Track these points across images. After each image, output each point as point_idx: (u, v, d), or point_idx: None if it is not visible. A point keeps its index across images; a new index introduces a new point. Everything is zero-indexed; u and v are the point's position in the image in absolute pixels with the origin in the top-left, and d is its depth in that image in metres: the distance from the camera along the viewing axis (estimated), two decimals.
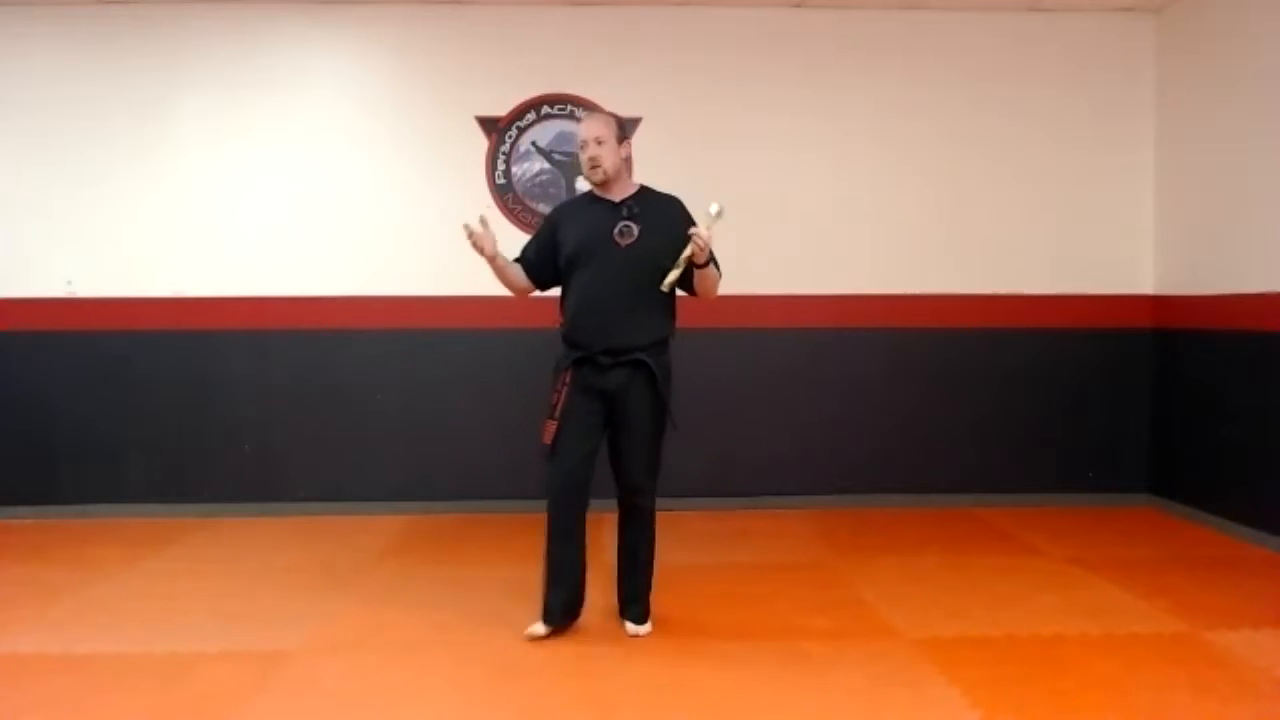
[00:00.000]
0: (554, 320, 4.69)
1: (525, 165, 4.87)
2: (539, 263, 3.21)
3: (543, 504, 4.78)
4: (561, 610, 3.13)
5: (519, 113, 4.85)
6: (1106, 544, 4.25)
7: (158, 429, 4.81)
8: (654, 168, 4.71)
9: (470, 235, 3.07)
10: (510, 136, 4.86)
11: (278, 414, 4.84)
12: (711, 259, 3.07)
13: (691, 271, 3.04)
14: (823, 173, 4.92)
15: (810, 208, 4.91)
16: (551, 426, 3.08)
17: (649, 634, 3.15)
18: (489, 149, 4.86)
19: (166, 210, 4.80)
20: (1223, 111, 4.48)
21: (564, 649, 3.05)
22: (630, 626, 3.17)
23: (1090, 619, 3.27)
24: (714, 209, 3.00)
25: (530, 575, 3.78)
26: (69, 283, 4.79)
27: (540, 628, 3.11)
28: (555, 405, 3.09)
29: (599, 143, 3.06)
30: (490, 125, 4.85)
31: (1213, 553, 4.12)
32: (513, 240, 4.82)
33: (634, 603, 3.20)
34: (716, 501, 4.84)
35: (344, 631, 3.22)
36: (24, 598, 3.57)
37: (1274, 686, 2.75)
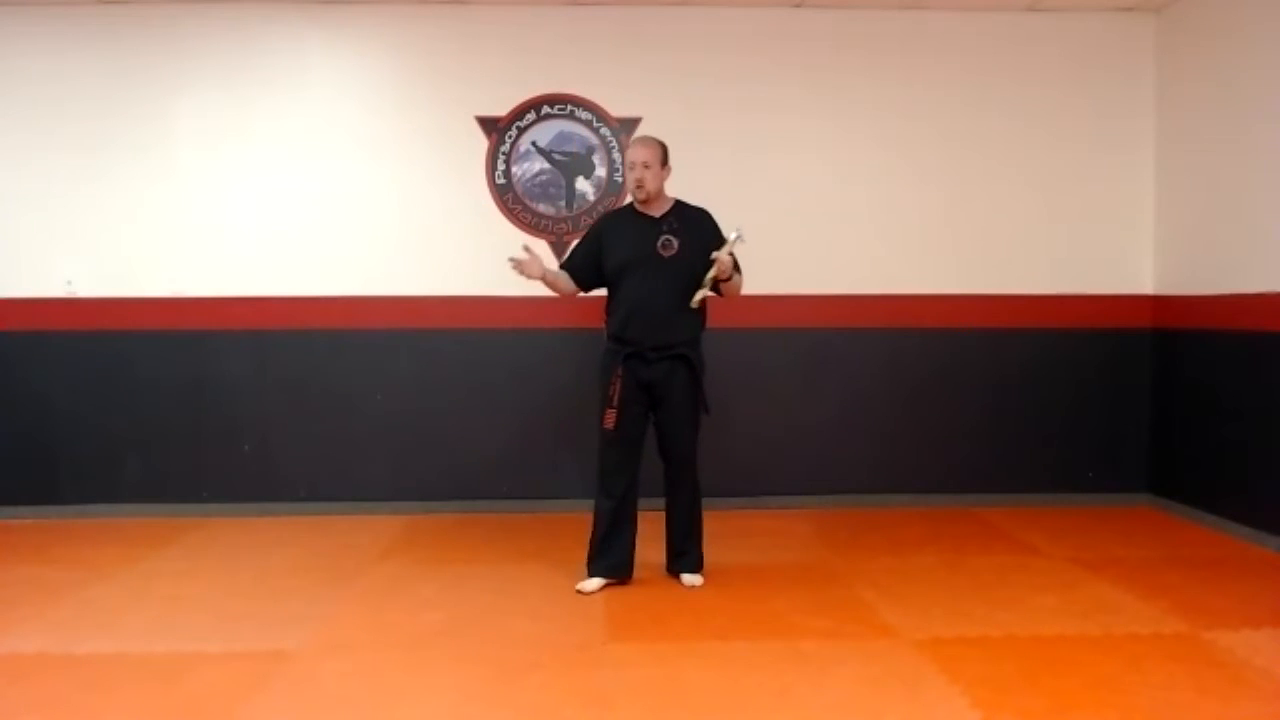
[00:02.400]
0: (551, 322, 4.75)
1: (525, 165, 4.87)
2: (585, 270, 3.64)
3: (543, 503, 4.83)
4: (610, 567, 3.61)
5: (519, 113, 4.85)
6: (1106, 544, 4.25)
7: (157, 429, 4.81)
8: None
9: (516, 266, 3.50)
10: (510, 136, 4.86)
11: (277, 414, 4.84)
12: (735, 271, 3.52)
13: (717, 283, 3.52)
14: (822, 173, 4.92)
15: (810, 208, 4.91)
16: (612, 414, 3.52)
17: (702, 584, 3.62)
18: (489, 149, 4.86)
19: (165, 210, 4.80)
20: (1223, 111, 4.48)
21: (564, 648, 3.04)
22: (687, 577, 3.64)
23: (1090, 619, 3.27)
24: (734, 235, 3.44)
25: (529, 575, 3.79)
26: (69, 283, 4.79)
27: (591, 583, 3.57)
28: (613, 395, 3.52)
29: (645, 166, 3.52)
30: (490, 125, 4.85)
31: (1213, 553, 4.12)
32: (514, 238, 4.87)
33: (688, 554, 3.68)
34: (716, 501, 4.81)
35: (344, 631, 3.22)
36: (24, 598, 3.57)
37: (1274, 686, 2.75)
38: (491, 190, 4.86)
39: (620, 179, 4.86)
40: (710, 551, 3.78)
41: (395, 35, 4.81)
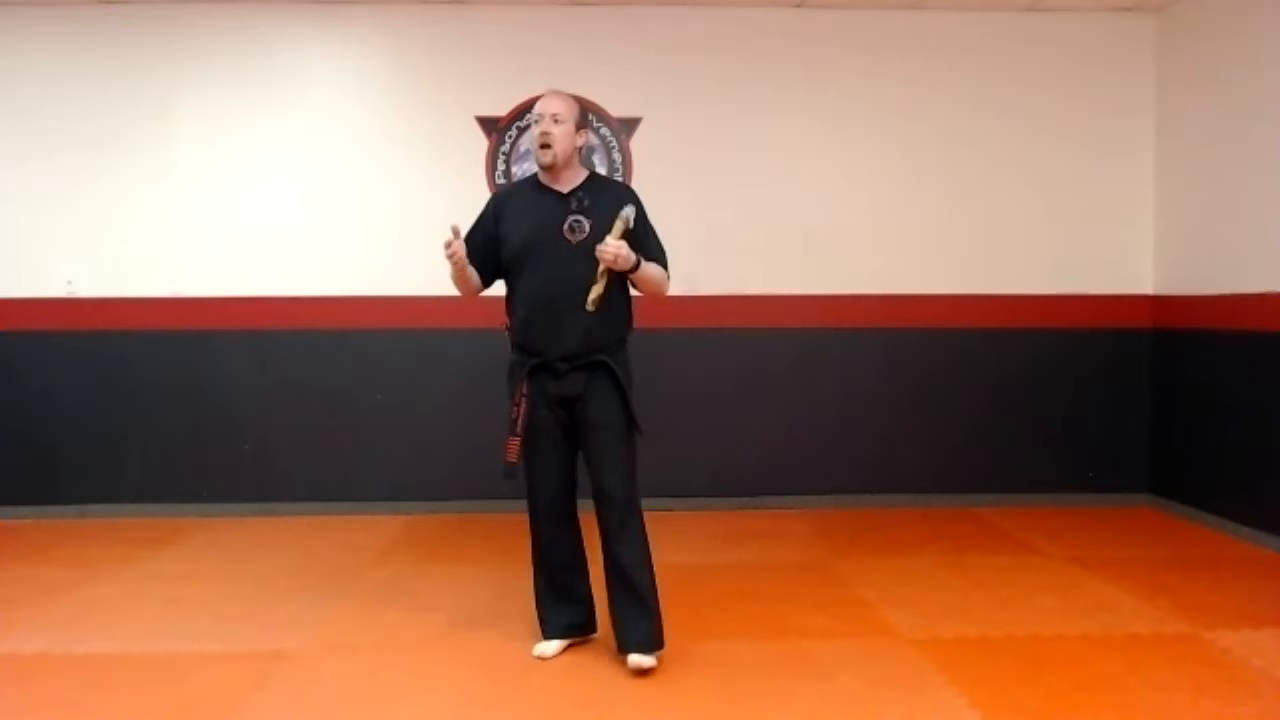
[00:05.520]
0: None
1: (525, 165, 4.86)
2: (482, 260, 2.91)
3: None
4: (569, 627, 3.01)
5: (519, 113, 4.85)
6: (1106, 544, 4.25)
7: (157, 429, 4.81)
8: (654, 168, 4.76)
9: (451, 247, 2.76)
10: (510, 136, 4.86)
11: (277, 414, 4.84)
12: (640, 262, 2.80)
13: (625, 279, 2.85)
14: (823, 173, 4.92)
15: (810, 208, 4.91)
16: (515, 444, 2.83)
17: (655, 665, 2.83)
18: (489, 149, 4.86)
19: (166, 210, 4.80)
20: (1223, 111, 4.48)
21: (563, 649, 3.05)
22: (634, 658, 2.82)
23: (1090, 619, 3.27)
24: (623, 214, 2.76)
25: (529, 575, 3.77)
26: (69, 283, 4.79)
27: (549, 646, 2.97)
28: (516, 419, 2.83)
29: (555, 120, 2.85)
30: (490, 125, 4.86)
31: (1213, 553, 4.12)
32: None
33: (637, 624, 2.87)
34: (716, 501, 4.84)
35: (344, 632, 3.22)
36: (25, 598, 3.57)
37: (1274, 686, 2.75)
38: (491, 190, 4.86)
39: (620, 178, 4.86)
40: (710, 552, 3.76)
41: (395, 35, 4.81)
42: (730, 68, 4.85)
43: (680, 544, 4.18)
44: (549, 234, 2.82)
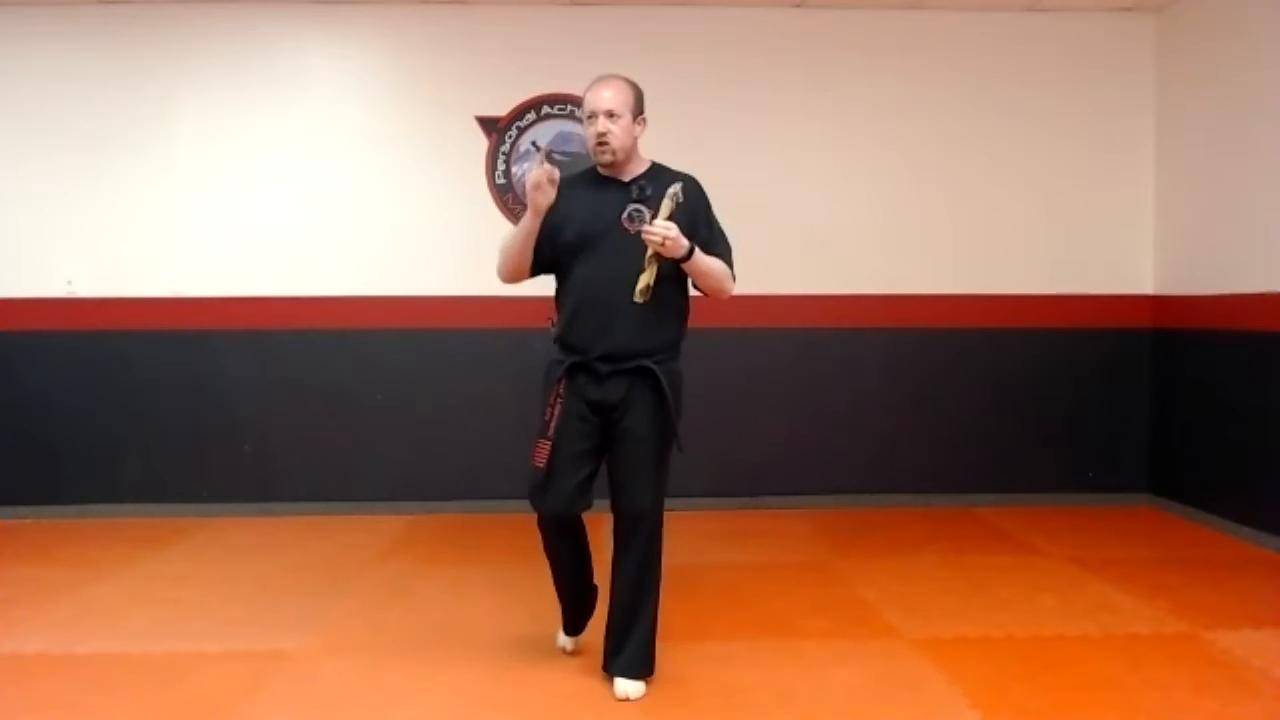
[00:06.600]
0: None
1: (525, 165, 4.87)
2: (536, 247, 2.74)
3: None
4: (577, 623, 3.02)
5: (519, 113, 4.85)
6: (1106, 544, 4.25)
7: (157, 429, 4.81)
8: None
9: (544, 168, 2.58)
10: (510, 136, 4.86)
11: (277, 414, 4.84)
12: (694, 250, 2.60)
13: (680, 271, 2.66)
14: (823, 173, 4.92)
15: (810, 208, 4.91)
16: (545, 448, 2.65)
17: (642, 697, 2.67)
18: (489, 149, 4.86)
19: (166, 210, 4.80)
20: (1223, 111, 4.48)
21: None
22: (620, 684, 2.67)
23: (1090, 619, 3.27)
24: (670, 191, 2.59)
25: (529, 575, 3.78)
26: (69, 283, 4.79)
27: (568, 641, 3.02)
28: (549, 422, 2.66)
29: (611, 116, 2.61)
30: (490, 125, 4.86)
31: (1213, 553, 4.12)
32: None
33: (625, 647, 2.71)
34: (716, 501, 4.84)
35: (344, 632, 3.22)
36: (25, 598, 3.57)
37: (1274, 686, 2.75)
38: (491, 190, 4.86)
39: None
40: (710, 552, 3.76)
41: (395, 35, 4.81)
42: (730, 68, 4.86)
43: (680, 544, 4.16)
44: (606, 223, 2.63)
